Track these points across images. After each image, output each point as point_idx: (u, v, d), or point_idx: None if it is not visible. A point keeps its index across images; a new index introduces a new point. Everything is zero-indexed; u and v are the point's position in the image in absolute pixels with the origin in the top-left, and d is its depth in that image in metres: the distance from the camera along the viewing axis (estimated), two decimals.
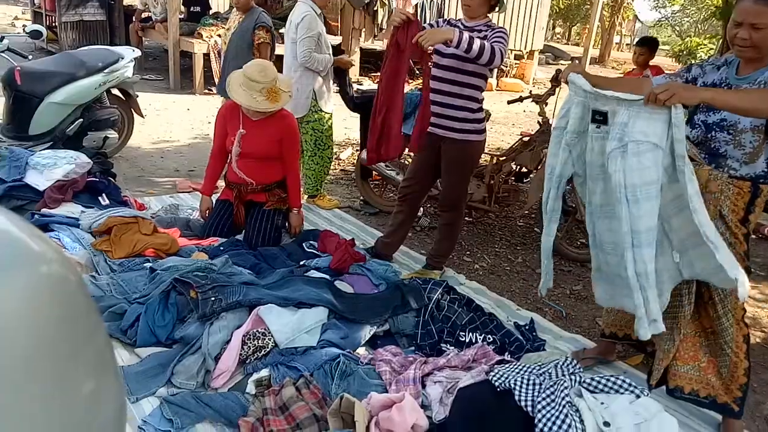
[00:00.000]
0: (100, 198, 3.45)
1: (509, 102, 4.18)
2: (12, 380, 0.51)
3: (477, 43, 2.58)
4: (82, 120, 4.37)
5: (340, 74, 4.22)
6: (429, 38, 2.55)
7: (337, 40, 10.25)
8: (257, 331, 2.36)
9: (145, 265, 2.84)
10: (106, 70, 4.45)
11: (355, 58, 8.69)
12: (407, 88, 4.38)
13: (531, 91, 4.47)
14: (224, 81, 3.56)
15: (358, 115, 4.50)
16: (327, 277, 2.88)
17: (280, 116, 3.28)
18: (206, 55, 8.05)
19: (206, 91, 8.10)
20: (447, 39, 2.56)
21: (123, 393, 0.71)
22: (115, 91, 4.78)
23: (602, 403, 1.92)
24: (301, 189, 4.16)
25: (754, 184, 2.00)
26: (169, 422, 1.99)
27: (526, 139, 4.15)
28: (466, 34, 2.57)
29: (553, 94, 3.99)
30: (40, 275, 0.57)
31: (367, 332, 2.57)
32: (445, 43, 2.59)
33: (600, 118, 1.95)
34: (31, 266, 0.56)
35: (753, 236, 4.51)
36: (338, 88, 4.29)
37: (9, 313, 0.51)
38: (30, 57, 4.57)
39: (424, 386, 2.18)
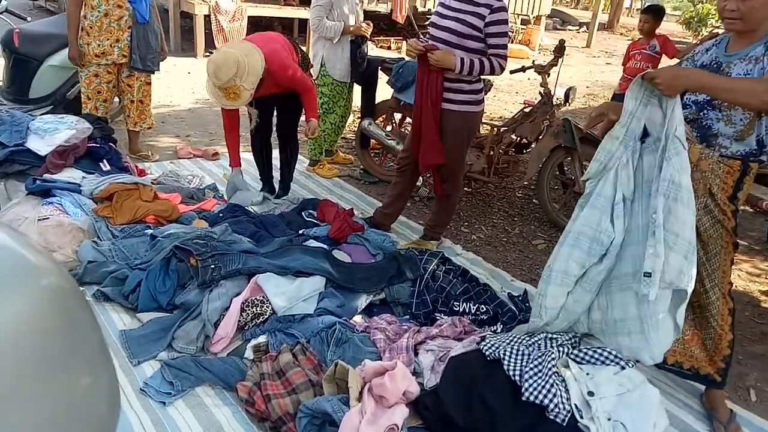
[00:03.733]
0: (101, 164, 3.47)
1: (512, 72, 4.13)
2: (20, 380, 0.56)
3: (477, 66, 2.81)
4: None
5: (354, 44, 4.15)
6: (438, 61, 2.79)
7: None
8: (256, 298, 2.42)
9: (146, 231, 2.89)
10: None
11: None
12: (408, 57, 4.35)
13: (534, 61, 4.42)
14: None
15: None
16: (325, 246, 2.93)
17: (267, 70, 3.05)
18: (207, 17, 7.94)
19: (207, 53, 8.02)
20: (450, 67, 2.79)
21: (117, 385, 0.77)
22: None
23: (588, 374, 1.99)
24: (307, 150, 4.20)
25: (744, 163, 2.02)
26: (170, 384, 2.06)
27: (527, 109, 4.14)
28: (467, 62, 2.80)
29: (556, 65, 3.96)
30: (41, 288, 0.62)
31: (363, 301, 2.63)
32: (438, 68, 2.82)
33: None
34: (32, 280, 0.61)
35: (751, 210, 4.55)
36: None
37: (15, 325, 0.57)
38: (29, 18, 4.53)
39: (416, 354, 2.25)
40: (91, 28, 3.71)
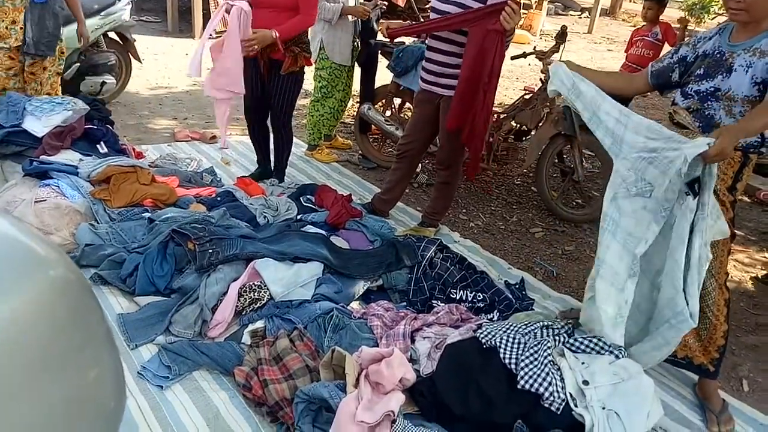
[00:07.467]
0: (98, 146, 3.44)
1: (513, 58, 4.11)
2: (30, 371, 0.57)
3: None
4: (79, 64, 4.31)
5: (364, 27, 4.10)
6: (512, 21, 2.63)
7: None
8: (253, 283, 2.42)
9: (143, 215, 2.88)
10: (102, 13, 4.37)
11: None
12: (409, 41, 4.32)
13: (535, 46, 4.40)
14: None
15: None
16: (323, 232, 2.93)
17: None
18: None
19: None
20: (512, 28, 2.69)
21: (123, 376, 0.77)
22: (112, 35, 4.71)
23: (583, 363, 2.00)
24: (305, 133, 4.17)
25: (744, 154, 2.02)
26: (167, 368, 2.07)
27: (527, 96, 4.11)
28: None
29: (557, 51, 3.93)
30: (49, 279, 0.62)
31: (360, 287, 2.64)
32: (505, 30, 2.68)
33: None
34: (40, 271, 0.61)
35: (749, 200, 4.55)
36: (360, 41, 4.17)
37: (26, 316, 0.57)
38: None
39: (413, 341, 2.26)
40: None
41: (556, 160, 4.04)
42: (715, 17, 14.95)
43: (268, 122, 3.60)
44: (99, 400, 0.69)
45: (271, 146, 3.73)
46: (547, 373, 1.93)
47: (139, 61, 4.95)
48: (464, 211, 3.89)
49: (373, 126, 4.36)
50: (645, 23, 5.06)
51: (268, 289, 2.43)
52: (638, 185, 2.01)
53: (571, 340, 2.10)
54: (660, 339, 2.06)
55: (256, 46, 3.06)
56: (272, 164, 3.79)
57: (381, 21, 3.79)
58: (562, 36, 3.85)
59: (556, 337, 2.11)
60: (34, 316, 0.60)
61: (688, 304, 1.97)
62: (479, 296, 2.67)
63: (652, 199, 1.98)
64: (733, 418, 2.23)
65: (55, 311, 0.63)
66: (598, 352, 2.05)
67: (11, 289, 0.59)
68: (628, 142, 2.02)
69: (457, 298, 2.66)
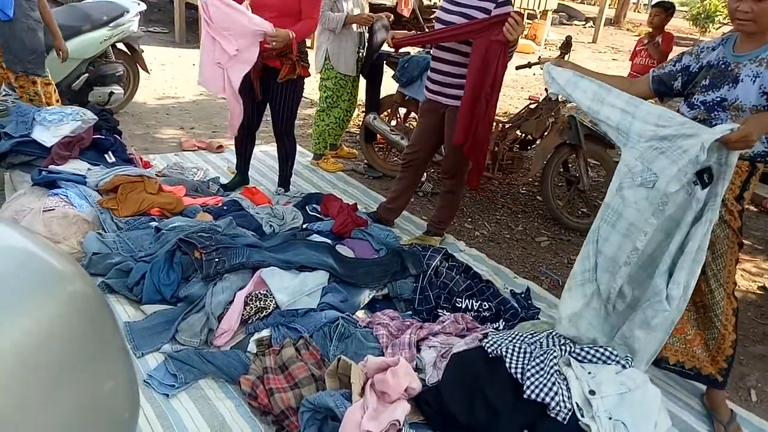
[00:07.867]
0: (106, 155, 3.47)
1: (517, 68, 4.13)
2: (47, 383, 0.58)
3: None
4: (87, 75, 4.36)
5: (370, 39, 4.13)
6: (515, 32, 2.63)
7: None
8: (259, 292, 2.43)
9: (150, 224, 2.90)
10: (111, 24, 4.43)
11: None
12: (414, 51, 4.34)
13: (540, 56, 4.42)
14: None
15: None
16: (328, 241, 2.93)
17: None
18: None
19: None
20: (514, 39, 2.66)
21: (137, 388, 0.78)
22: (121, 46, 4.76)
23: (589, 373, 1.99)
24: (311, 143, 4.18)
25: (752, 164, 2.02)
26: (173, 377, 2.08)
27: (532, 105, 4.12)
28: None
29: None
30: (67, 294, 0.64)
31: (366, 296, 2.64)
32: (508, 41, 2.66)
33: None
34: (59, 287, 0.63)
35: (755, 209, 4.53)
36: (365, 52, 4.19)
37: (44, 330, 0.58)
38: None
39: (419, 350, 2.25)
40: None
41: (562, 169, 4.04)
42: (720, 27, 14.98)
43: (272, 130, 3.62)
44: (113, 410, 0.69)
45: (253, 156, 3.76)
46: (554, 383, 1.92)
47: (147, 71, 5.00)
48: (469, 220, 3.90)
49: (378, 135, 4.38)
50: (651, 30, 5.08)
51: (273, 297, 2.43)
52: (644, 175, 1.99)
53: (578, 350, 2.09)
54: (641, 316, 2.06)
55: (274, 44, 3.06)
56: (249, 171, 3.82)
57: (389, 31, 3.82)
58: (566, 46, 3.87)
59: (562, 347, 2.10)
60: (53, 330, 0.62)
61: (667, 287, 1.98)
62: (485, 305, 2.67)
63: (655, 190, 1.97)
64: (742, 429, 2.21)
65: (72, 325, 0.64)
66: (605, 362, 2.04)
67: (32, 305, 0.60)
68: (635, 132, 2.00)
69: (463, 307, 2.65)
